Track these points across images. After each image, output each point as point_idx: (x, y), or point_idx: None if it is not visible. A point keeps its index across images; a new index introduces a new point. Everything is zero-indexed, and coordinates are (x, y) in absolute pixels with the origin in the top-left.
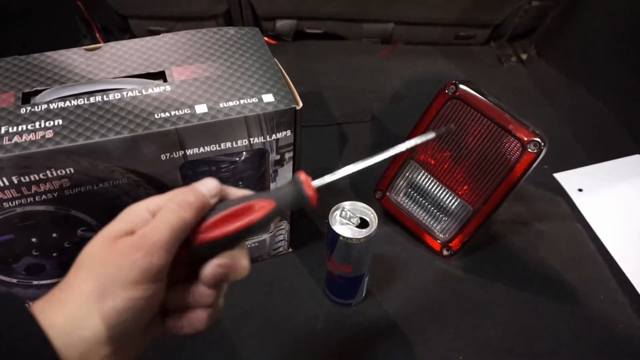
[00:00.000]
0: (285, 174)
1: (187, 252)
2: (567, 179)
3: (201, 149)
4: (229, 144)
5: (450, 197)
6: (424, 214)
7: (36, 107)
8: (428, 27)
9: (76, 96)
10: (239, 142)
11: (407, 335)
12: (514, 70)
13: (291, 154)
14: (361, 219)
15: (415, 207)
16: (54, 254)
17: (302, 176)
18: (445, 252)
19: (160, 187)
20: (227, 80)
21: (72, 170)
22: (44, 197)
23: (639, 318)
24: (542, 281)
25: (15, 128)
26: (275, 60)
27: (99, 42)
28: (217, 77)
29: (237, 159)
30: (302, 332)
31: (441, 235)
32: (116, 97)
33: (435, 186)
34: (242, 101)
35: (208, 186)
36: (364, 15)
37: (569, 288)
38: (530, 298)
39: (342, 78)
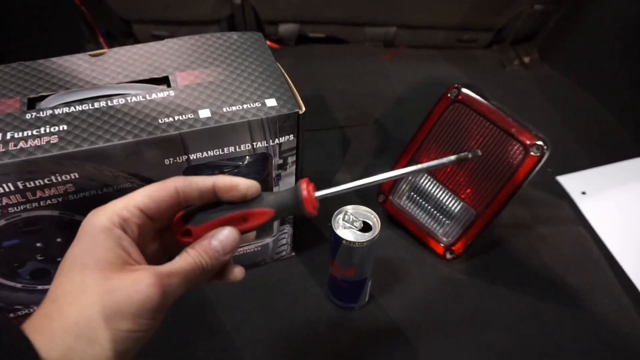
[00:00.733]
0: (288, 177)
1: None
2: (571, 182)
3: (204, 154)
4: (232, 149)
5: (453, 201)
6: (426, 218)
7: (41, 112)
8: (431, 30)
9: (81, 101)
10: (242, 146)
11: (410, 339)
12: (516, 73)
13: (294, 158)
14: (364, 222)
15: (418, 211)
16: (59, 259)
17: (304, 185)
18: (448, 256)
19: None
20: (230, 85)
21: (77, 175)
22: (48, 202)
23: None
24: (546, 285)
25: (20, 133)
26: (278, 64)
27: (103, 47)
28: (220, 82)
29: (240, 163)
30: (305, 336)
31: (444, 239)
32: (120, 103)
33: (438, 190)
34: (245, 106)
35: (223, 245)
36: (366, 19)
37: (572, 292)
38: (533, 302)
39: (344, 82)
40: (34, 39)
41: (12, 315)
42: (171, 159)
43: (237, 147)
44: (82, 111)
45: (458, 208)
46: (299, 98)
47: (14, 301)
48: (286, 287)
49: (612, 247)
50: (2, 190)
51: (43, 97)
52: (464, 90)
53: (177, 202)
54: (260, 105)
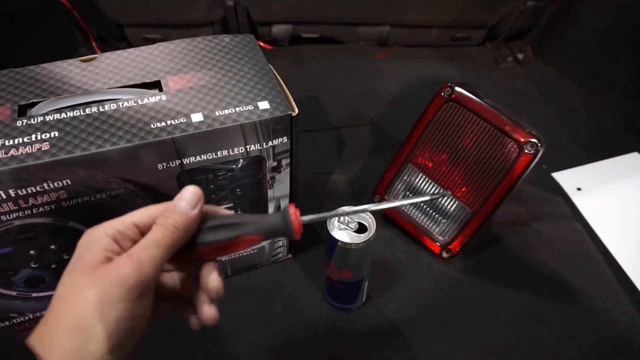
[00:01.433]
0: (282, 180)
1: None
2: (566, 178)
3: (198, 158)
4: (225, 152)
5: (449, 200)
6: (422, 217)
7: (32, 119)
8: (424, 29)
9: (72, 107)
10: (236, 149)
11: (408, 339)
12: (510, 70)
13: (288, 160)
14: (359, 223)
15: (413, 210)
16: (53, 266)
17: (292, 210)
18: (445, 255)
19: (158, 196)
20: (222, 88)
21: (70, 182)
22: (41, 209)
23: None
24: (543, 282)
25: (11, 141)
26: (271, 67)
27: (96, 51)
28: (213, 86)
29: (234, 166)
30: (303, 338)
31: (440, 238)
32: (112, 108)
33: (433, 189)
34: (237, 109)
35: (188, 199)
36: (360, 19)
37: (569, 289)
38: (531, 299)
39: (339, 82)
40: (26, 44)
41: (6, 323)
42: (164, 164)
43: (230, 150)
44: (74, 117)
45: (454, 207)
46: (291, 100)
47: (9, 309)
48: (283, 289)
49: (608, 242)
50: None
51: (34, 104)
52: (457, 89)
53: None
54: (253, 108)
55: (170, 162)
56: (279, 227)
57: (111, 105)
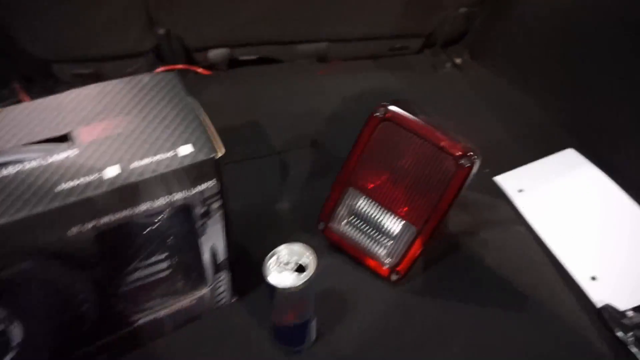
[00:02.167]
0: (214, 225)
1: None
2: (507, 181)
3: (116, 215)
4: (147, 205)
5: (393, 220)
6: (368, 241)
7: None
8: (362, 42)
9: None
10: (158, 201)
11: None
12: (449, 75)
13: (219, 204)
14: (298, 262)
15: (358, 235)
16: None
17: None
18: (393, 277)
19: (75, 264)
20: (141, 134)
21: None
22: None
23: (590, 321)
24: (493, 292)
25: None
26: (197, 103)
27: (19, 93)
28: (130, 133)
29: (160, 218)
30: None
31: (388, 260)
32: (13, 171)
33: (376, 210)
34: (157, 157)
35: None
36: (296, 37)
37: (521, 296)
38: (483, 311)
39: (280, 103)
40: None
41: None
42: (77, 229)
43: (152, 202)
44: None
45: (399, 227)
46: (217, 139)
47: None
48: (230, 337)
49: (551, 244)
50: None
51: None
52: (391, 107)
53: None
54: (173, 154)
55: (84, 225)
56: None
57: (12, 168)
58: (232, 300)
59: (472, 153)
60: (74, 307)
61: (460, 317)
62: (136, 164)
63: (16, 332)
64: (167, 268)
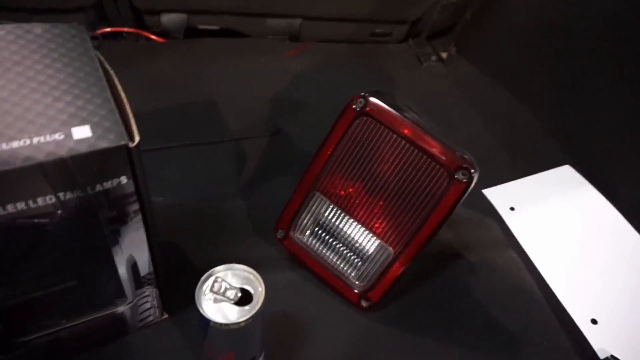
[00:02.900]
0: (132, 233)
1: None
2: (497, 196)
3: None
4: (21, 205)
5: (366, 238)
6: (335, 258)
7: None
8: (340, 23)
9: None
10: (39, 200)
11: None
12: (434, 70)
13: (137, 206)
14: (242, 290)
15: (324, 250)
16: None
17: None
18: (363, 304)
19: None
20: (17, 105)
21: None
22: None
23: None
24: (476, 329)
25: None
26: (110, 73)
27: None
28: (2, 101)
29: (48, 221)
30: None
31: (357, 283)
32: None
33: (346, 224)
34: (36, 139)
35: None
36: (266, 9)
37: (506, 336)
38: (463, 351)
39: (240, 84)
40: None
41: None
42: None
43: (29, 201)
44: None
45: (373, 247)
46: (132, 122)
47: None
48: None
49: (545, 273)
50: None
51: None
52: (372, 99)
53: None
54: (62, 137)
55: None
56: None
57: None
58: (163, 317)
59: (470, 166)
60: None
61: (434, 356)
62: (4, 146)
63: None
64: (68, 280)
